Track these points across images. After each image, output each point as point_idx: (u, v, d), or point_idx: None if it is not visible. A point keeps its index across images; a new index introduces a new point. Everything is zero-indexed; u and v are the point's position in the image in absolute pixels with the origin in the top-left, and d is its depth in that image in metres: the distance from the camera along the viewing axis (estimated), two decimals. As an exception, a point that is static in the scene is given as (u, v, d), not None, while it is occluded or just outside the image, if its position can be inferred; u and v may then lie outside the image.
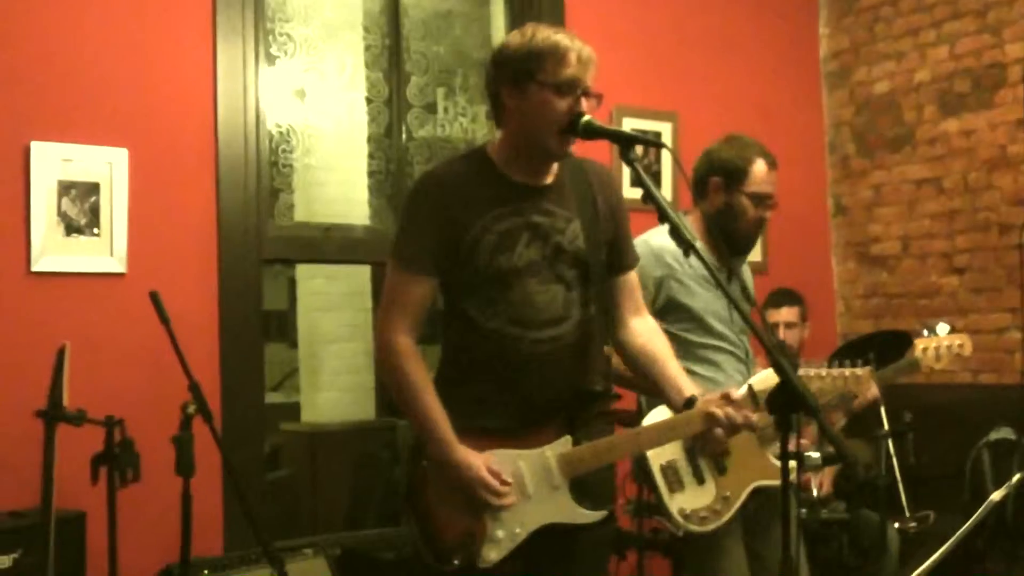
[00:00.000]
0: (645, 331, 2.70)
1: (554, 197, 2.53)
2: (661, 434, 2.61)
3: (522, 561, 2.48)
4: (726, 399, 2.50)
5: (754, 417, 2.52)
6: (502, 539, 2.44)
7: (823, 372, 2.81)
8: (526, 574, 2.49)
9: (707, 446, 2.93)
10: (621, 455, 2.61)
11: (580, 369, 2.53)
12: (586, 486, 2.50)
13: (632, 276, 2.70)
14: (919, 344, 3.40)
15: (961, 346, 3.44)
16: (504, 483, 2.42)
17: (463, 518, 2.45)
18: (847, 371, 2.86)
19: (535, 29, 2.47)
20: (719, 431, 2.52)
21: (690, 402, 2.53)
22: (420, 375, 2.47)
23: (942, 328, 3.50)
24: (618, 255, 2.64)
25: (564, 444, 2.49)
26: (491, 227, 2.46)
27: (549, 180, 2.54)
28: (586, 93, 2.44)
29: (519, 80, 2.44)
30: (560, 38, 2.43)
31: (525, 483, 2.46)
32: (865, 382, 2.87)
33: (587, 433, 2.52)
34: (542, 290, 2.48)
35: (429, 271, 2.49)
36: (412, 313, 2.49)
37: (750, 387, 2.58)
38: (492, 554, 2.44)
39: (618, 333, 2.69)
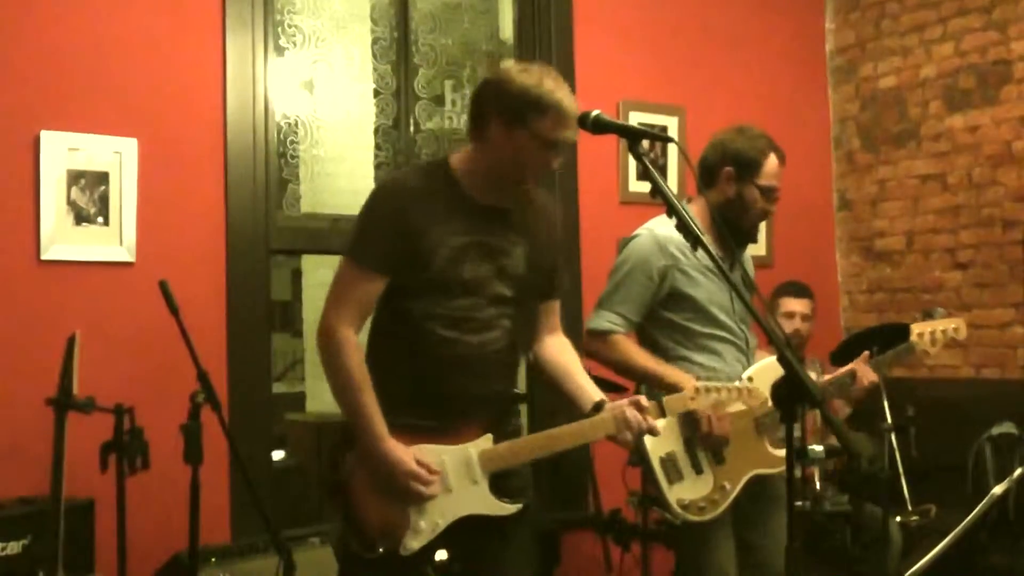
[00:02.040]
0: (559, 347, 2.86)
1: (507, 221, 2.67)
2: (575, 437, 2.69)
3: (455, 556, 2.64)
4: (635, 405, 2.64)
5: (657, 425, 2.66)
6: (423, 529, 2.58)
7: None
8: (462, 569, 2.66)
9: (707, 438, 3.05)
10: (537, 454, 2.70)
11: (504, 373, 2.71)
12: (505, 481, 2.65)
13: (555, 301, 2.87)
14: (915, 329, 3.42)
15: (956, 329, 3.46)
16: (432, 472, 2.55)
17: (388, 509, 2.57)
18: None
19: (543, 76, 2.53)
20: (627, 434, 2.64)
21: (598, 406, 2.68)
22: (361, 371, 2.57)
23: (938, 312, 3.53)
24: (551, 284, 2.81)
25: (486, 441, 2.63)
26: (446, 241, 2.58)
27: (505, 204, 2.67)
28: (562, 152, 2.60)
29: (513, 120, 2.51)
30: (562, 96, 2.50)
31: (448, 477, 2.60)
32: None
33: (505, 432, 2.70)
34: (481, 303, 2.62)
35: (382, 270, 2.59)
36: (360, 308, 2.61)
37: (659, 399, 2.69)
38: (413, 543, 2.57)
39: (536, 347, 2.85)
